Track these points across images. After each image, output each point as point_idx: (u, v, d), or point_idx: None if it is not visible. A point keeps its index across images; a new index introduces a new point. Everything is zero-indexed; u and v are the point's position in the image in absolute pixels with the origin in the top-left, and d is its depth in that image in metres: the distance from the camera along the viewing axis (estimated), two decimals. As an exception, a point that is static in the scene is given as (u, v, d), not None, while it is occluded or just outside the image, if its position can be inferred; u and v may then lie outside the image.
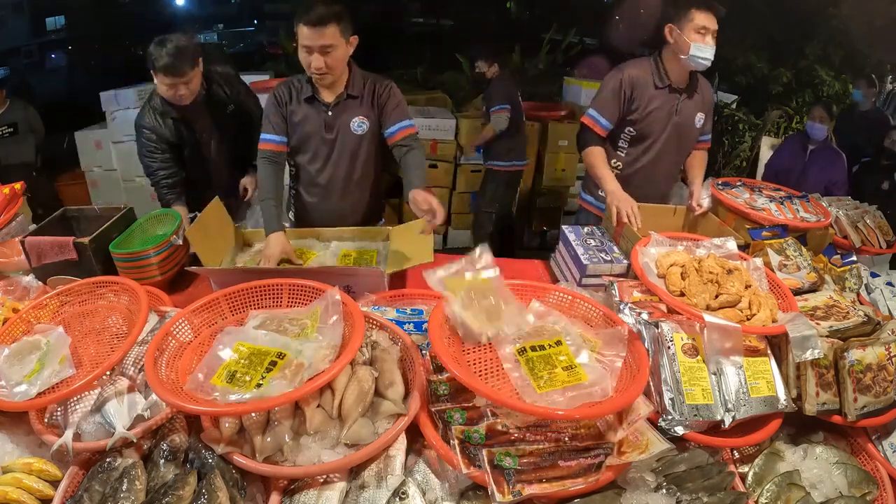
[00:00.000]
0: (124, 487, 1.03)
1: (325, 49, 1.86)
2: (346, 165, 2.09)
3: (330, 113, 2.02)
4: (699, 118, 2.26)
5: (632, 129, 2.26)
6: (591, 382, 1.10)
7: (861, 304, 1.76)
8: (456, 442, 1.09)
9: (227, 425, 1.12)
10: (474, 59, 4.07)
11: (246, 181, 2.52)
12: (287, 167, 2.20)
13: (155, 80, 2.14)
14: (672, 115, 2.21)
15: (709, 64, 2.07)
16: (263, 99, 3.71)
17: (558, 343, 1.19)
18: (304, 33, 1.84)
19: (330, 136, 2.04)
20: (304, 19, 1.83)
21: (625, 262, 1.82)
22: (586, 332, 1.28)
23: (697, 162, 2.37)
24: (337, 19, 1.84)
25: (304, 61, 1.91)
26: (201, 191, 2.35)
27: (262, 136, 2.08)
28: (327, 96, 2.02)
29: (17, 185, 2.09)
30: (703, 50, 2.04)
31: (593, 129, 2.24)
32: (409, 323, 1.45)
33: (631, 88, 2.18)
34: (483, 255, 1.32)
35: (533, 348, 1.18)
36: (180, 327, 1.27)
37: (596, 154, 2.22)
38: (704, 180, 2.18)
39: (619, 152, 2.32)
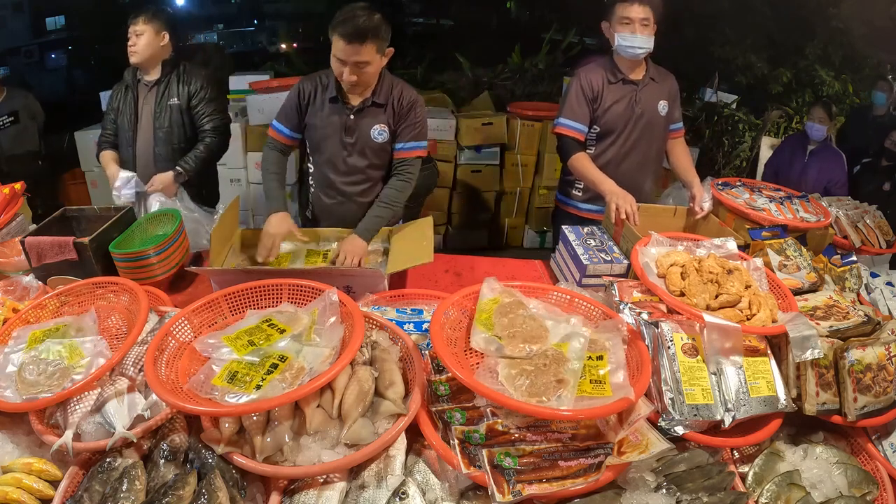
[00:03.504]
0: (124, 487, 1.03)
1: (359, 65, 1.81)
2: (364, 170, 2.08)
3: (352, 117, 1.99)
4: (662, 105, 2.30)
5: (596, 126, 2.30)
6: (611, 399, 1.08)
7: (861, 304, 1.76)
8: (456, 442, 1.09)
9: (227, 425, 1.12)
10: None
11: (157, 177, 2.44)
12: (305, 166, 2.20)
13: None
14: (633, 106, 2.26)
15: (641, 52, 2.17)
16: (260, 100, 3.75)
17: (599, 358, 1.18)
18: (339, 46, 1.78)
19: (349, 139, 2.02)
20: (340, 31, 1.76)
21: (625, 262, 1.82)
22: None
23: (685, 157, 2.39)
24: (374, 35, 1.77)
25: (336, 70, 1.87)
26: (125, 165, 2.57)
27: (274, 123, 2.08)
28: (353, 99, 1.99)
29: (17, 185, 2.09)
30: (627, 39, 2.15)
31: (570, 135, 2.27)
32: (409, 323, 1.45)
33: (591, 88, 2.25)
34: None
35: None
36: (180, 327, 1.27)
37: (582, 160, 2.24)
38: (703, 180, 2.18)
39: (588, 150, 2.33)
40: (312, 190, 2.23)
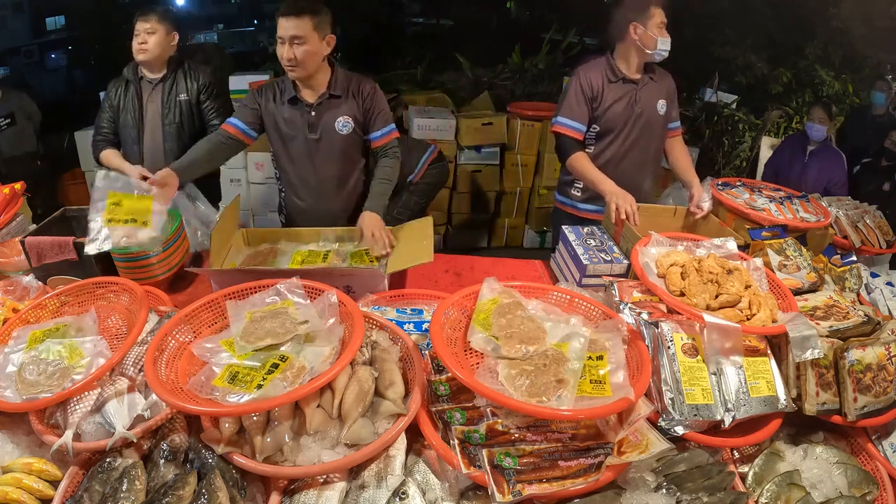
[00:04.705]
0: (124, 487, 1.03)
1: (294, 40, 1.87)
2: (333, 165, 2.09)
3: (313, 113, 2.01)
4: (661, 104, 2.32)
5: (596, 125, 2.31)
6: (611, 399, 1.08)
7: (861, 304, 1.76)
8: (456, 442, 1.09)
9: (227, 425, 1.12)
10: None
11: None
12: (273, 172, 2.22)
13: None
14: (632, 105, 2.27)
15: (667, 54, 2.22)
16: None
17: (599, 358, 1.18)
18: (279, 23, 1.88)
19: (314, 136, 2.03)
20: (281, 10, 1.86)
21: (625, 262, 1.82)
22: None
23: (684, 157, 2.39)
24: (312, 13, 1.86)
25: (278, 52, 1.92)
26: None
27: (228, 119, 2.09)
28: (309, 96, 2.02)
29: (17, 185, 2.09)
30: (666, 43, 2.21)
31: (569, 135, 2.27)
32: (409, 323, 1.45)
33: (590, 88, 2.26)
34: None
35: None
36: (180, 327, 1.27)
37: (581, 159, 2.24)
38: (703, 180, 2.19)
39: (587, 150, 2.34)
40: (284, 194, 2.25)
